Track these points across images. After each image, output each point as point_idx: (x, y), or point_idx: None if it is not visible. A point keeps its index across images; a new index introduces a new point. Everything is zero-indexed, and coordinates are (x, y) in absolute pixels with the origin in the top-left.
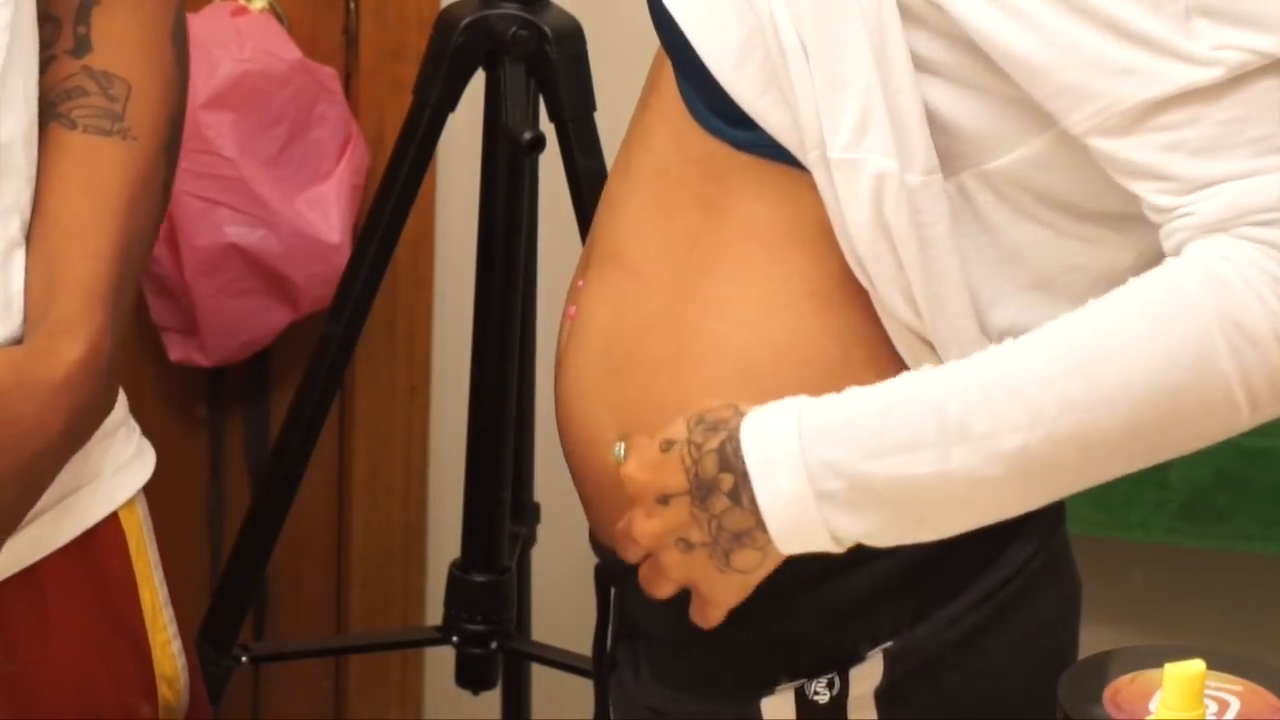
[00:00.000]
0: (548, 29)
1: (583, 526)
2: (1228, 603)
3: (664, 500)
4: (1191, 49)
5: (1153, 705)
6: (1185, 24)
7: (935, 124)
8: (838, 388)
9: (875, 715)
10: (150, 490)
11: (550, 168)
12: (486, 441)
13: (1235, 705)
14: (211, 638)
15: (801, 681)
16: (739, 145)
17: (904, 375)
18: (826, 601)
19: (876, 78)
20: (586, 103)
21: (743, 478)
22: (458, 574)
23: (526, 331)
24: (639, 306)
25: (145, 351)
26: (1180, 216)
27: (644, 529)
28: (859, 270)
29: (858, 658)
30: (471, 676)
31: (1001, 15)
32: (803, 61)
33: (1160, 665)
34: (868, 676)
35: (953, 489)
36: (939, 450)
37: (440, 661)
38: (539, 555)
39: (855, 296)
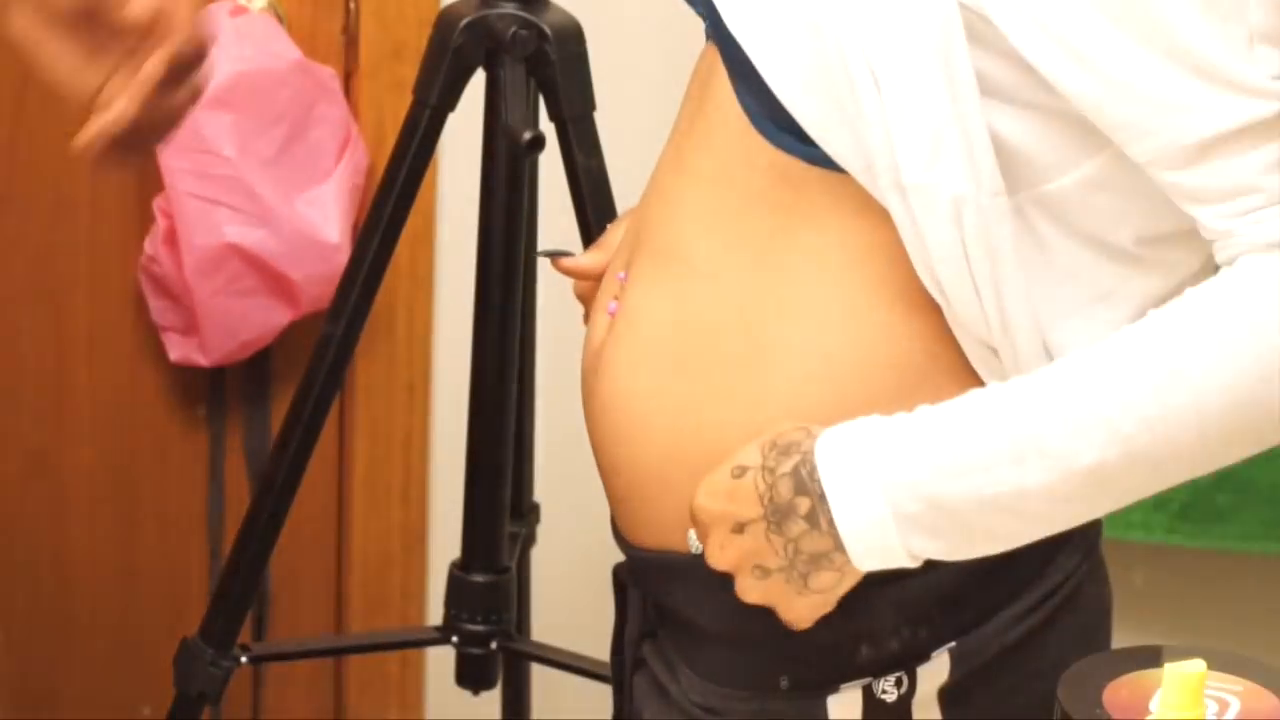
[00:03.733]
0: (548, 29)
1: (583, 526)
2: (1228, 603)
3: (739, 529)
4: (1251, 78)
5: (1153, 705)
6: (1247, 50)
7: (995, 147)
8: (924, 391)
9: (940, 715)
10: (150, 490)
11: (550, 168)
12: (486, 441)
13: (1235, 705)
14: (211, 638)
15: (869, 680)
16: (813, 161)
17: (974, 392)
18: (895, 602)
19: (947, 99)
20: (586, 103)
21: (820, 500)
22: (458, 574)
23: (526, 331)
24: (704, 306)
25: (145, 351)
26: (1238, 235)
27: (720, 557)
28: (934, 287)
29: (925, 657)
30: (471, 676)
31: (1058, 51)
32: (872, 88)
33: (1160, 665)
34: (934, 675)
35: (1028, 505)
36: (1017, 468)
37: (440, 661)
38: (539, 555)
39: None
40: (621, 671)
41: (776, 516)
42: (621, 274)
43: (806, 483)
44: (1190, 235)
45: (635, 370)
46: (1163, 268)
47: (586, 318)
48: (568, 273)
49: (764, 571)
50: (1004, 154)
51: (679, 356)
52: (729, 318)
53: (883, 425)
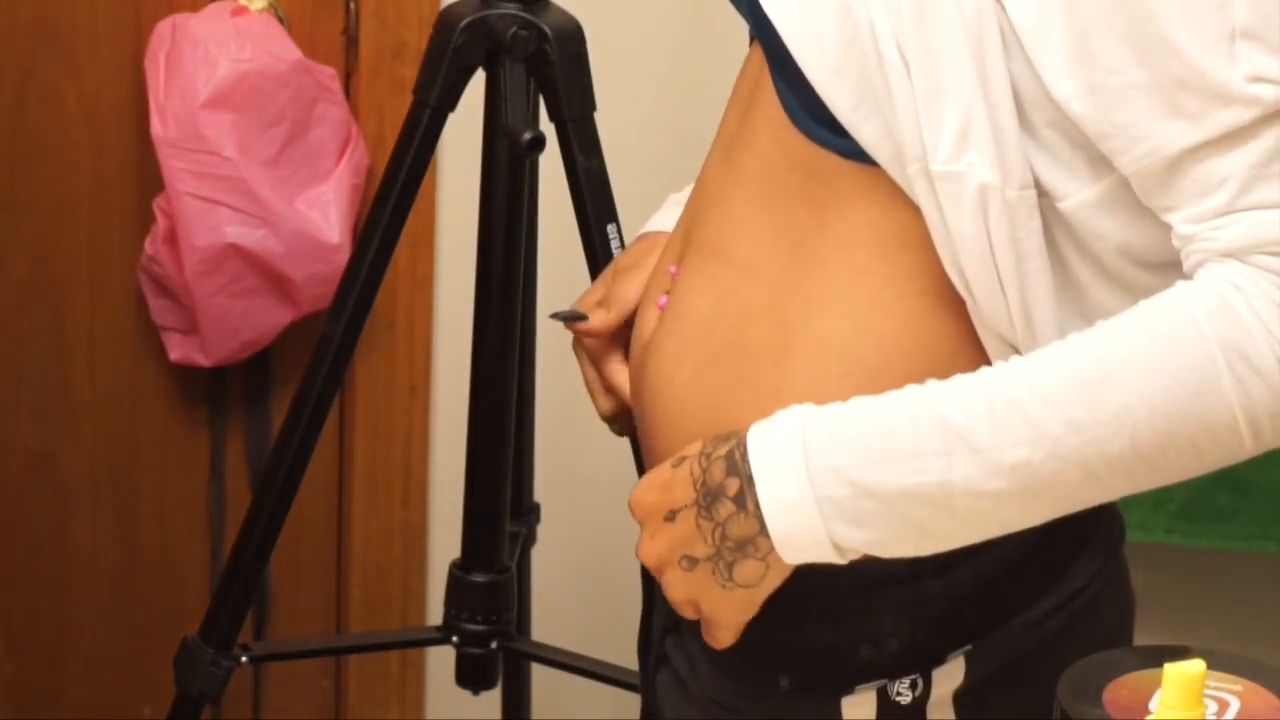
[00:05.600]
0: (548, 29)
1: (583, 526)
2: (1228, 603)
3: (670, 517)
4: (1229, 82)
5: (1153, 705)
6: (1229, 45)
7: None
8: None
9: (953, 717)
10: (150, 490)
11: (550, 168)
12: (486, 441)
13: (1235, 705)
14: (211, 638)
15: (884, 682)
16: (845, 154)
17: (910, 386)
18: (894, 604)
19: (978, 90)
20: (586, 103)
21: (748, 482)
22: (458, 574)
23: (526, 331)
24: (742, 298)
25: (145, 351)
26: (1200, 240)
27: (649, 549)
28: (960, 281)
29: (940, 659)
30: (471, 676)
31: (1054, 49)
32: (903, 72)
33: (1160, 665)
34: (949, 678)
35: (954, 499)
36: (943, 460)
37: (440, 661)
38: (539, 555)
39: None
40: (647, 664)
41: (707, 500)
42: (673, 269)
43: (738, 464)
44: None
45: (678, 362)
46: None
47: (589, 384)
48: (585, 334)
49: (691, 562)
50: None
51: (715, 348)
52: (761, 309)
53: (814, 412)
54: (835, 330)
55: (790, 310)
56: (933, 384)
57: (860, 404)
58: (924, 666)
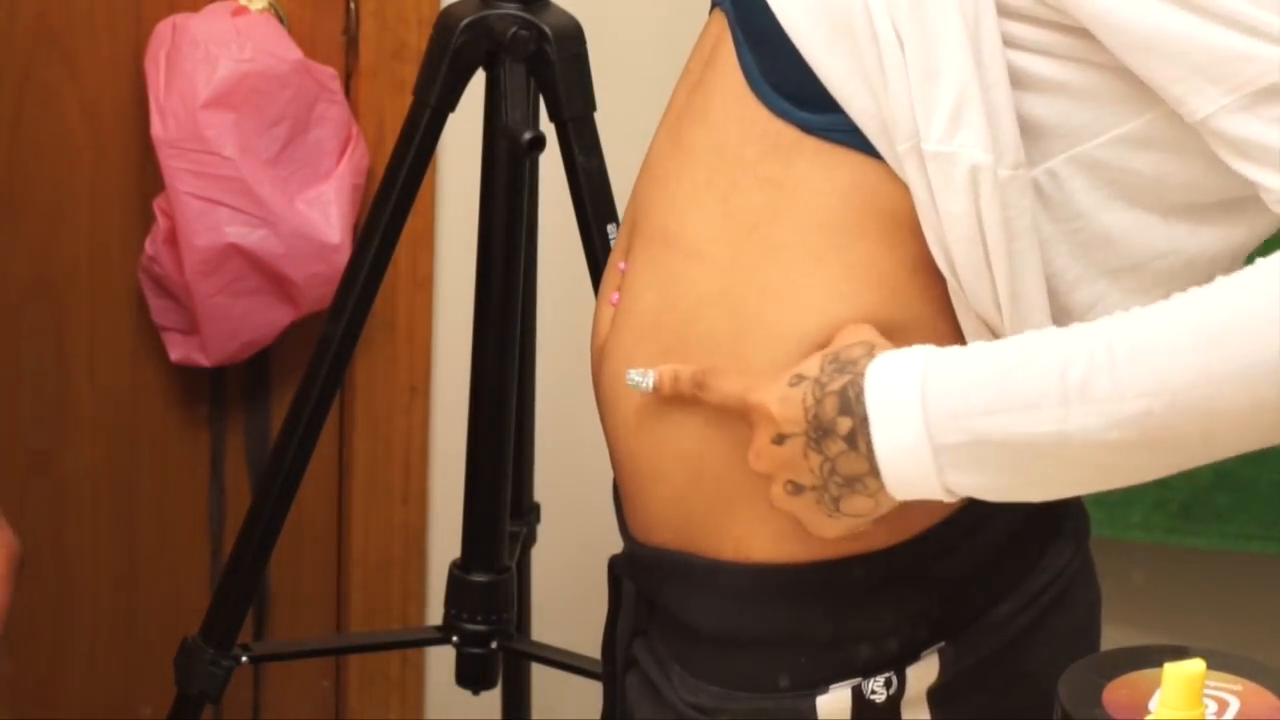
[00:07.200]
0: (548, 29)
1: (583, 526)
2: (1228, 603)
3: (779, 440)
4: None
5: (1152, 705)
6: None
7: (1036, 105)
8: None
9: (928, 715)
10: (150, 490)
11: (550, 168)
12: (486, 441)
13: (1235, 705)
14: (211, 638)
15: (858, 680)
16: (808, 128)
17: (1029, 333)
18: (895, 601)
19: (973, 70)
20: (586, 103)
21: (861, 423)
22: (458, 574)
23: (526, 331)
24: (692, 286)
25: (145, 351)
26: None
27: (755, 463)
28: (945, 263)
29: (914, 657)
30: (471, 676)
31: (1123, 10)
32: (897, 51)
33: (1160, 665)
34: (924, 676)
35: (1070, 450)
36: (1060, 410)
37: (440, 661)
38: (539, 555)
39: (926, 289)
40: (612, 666)
41: (817, 434)
42: (621, 265)
43: (852, 404)
44: (1230, 209)
45: (630, 359)
46: (1199, 240)
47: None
48: None
49: (796, 487)
50: (1048, 107)
51: (666, 341)
52: (712, 298)
53: (935, 355)
54: (793, 321)
55: (744, 299)
56: (1053, 331)
57: (980, 349)
58: (899, 664)
